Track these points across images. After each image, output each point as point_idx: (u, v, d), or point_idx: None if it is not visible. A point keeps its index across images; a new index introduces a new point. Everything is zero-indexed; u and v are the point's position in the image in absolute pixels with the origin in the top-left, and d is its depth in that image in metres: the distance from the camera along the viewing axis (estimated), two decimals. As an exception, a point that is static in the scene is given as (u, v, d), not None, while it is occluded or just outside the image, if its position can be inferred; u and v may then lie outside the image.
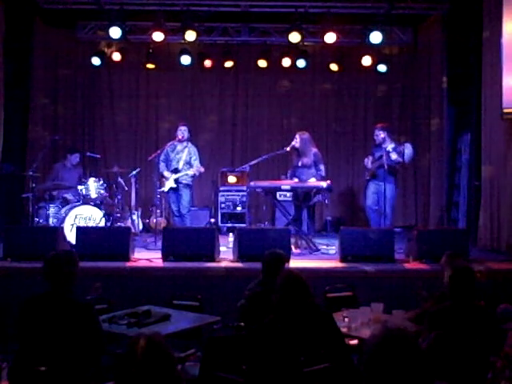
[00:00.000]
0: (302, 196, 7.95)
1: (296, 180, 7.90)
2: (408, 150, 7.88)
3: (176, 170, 8.24)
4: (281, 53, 10.12)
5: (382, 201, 7.89)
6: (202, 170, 8.33)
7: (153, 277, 6.30)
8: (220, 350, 3.67)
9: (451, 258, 4.49)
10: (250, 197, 9.88)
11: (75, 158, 8.92)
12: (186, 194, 8.30)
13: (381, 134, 8.10)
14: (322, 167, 8.09)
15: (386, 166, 7.77)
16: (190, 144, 8.42)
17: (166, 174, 8.28)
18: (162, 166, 8.33)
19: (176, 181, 8.22)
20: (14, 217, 9.17)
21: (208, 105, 10.82)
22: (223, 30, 10.00)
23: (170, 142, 8.38)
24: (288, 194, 8.77)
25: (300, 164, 8.10)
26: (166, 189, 8.32)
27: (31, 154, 9.81)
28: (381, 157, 7.91)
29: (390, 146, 7.91)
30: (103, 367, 3.61)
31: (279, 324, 3.39)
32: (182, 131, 8.27)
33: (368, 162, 8.18)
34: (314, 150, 8.15)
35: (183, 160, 8.26)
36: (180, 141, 8.28)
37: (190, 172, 8.20)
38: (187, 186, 8.33)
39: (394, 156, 7.84)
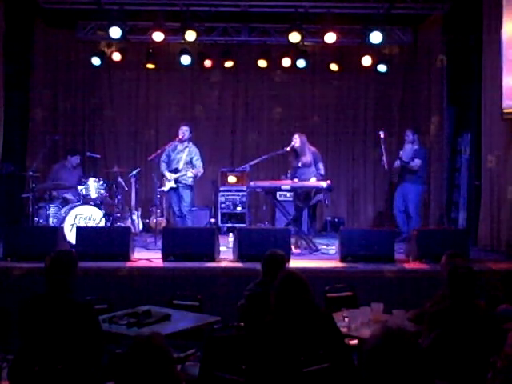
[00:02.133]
0: (303, 196, 7.95)
1: (296, 180, 7.90)
2: (404, 152, 8.24)
3: (176, 170, 8.24)
4: (281, 53, 10.11)
5: (406, 203, 8.35)
6: (201, 171, 8.30)
7: (153, 277, 6.30)
8: (220, 350, 3.67)
9: (451, 257, 4.49)
10: (250, 197, 9.88)
11: (75, 160, 8.91)
12: (186, 195, 8.28)
13: (407, 137, 8.53)
14: (321, 166, 8.11)
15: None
16: (190, 144, 8.42)
17: (167, 174, 8.28)
18: (163, 166, 8.33)
19: (176, 181, 8.23)
20: (14, 217, 9.17)
21: (208, 105, 10.81)
22: (223, 30, 9.99)
23: (171, 142, 8.38)
24: (288, 194, 8.78)
25: (300, 164, 8.11)
26: (166, 189, 8.32)
27: (31, 153, 9.81)
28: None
29: (411, 147, 8.34)
30: (103, 367, 3.61)
31: (279, 324, 3.39)
32: (184, 131, 8.28)
33: (398, 164, 8.46)
34: (313, 148, 8.19)
35: (183, 160, 8.26)
36: (181, 141, 8.28)
37: (190, 174, 8.18)
38: (188, 186, 8.32)
39: (404, 158, 8.24)
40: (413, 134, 8.53)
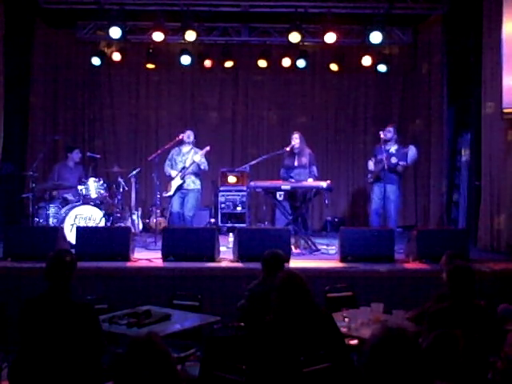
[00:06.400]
0: (302, 196, 7.95)
1: (293, 180, 7.90)
2: (412, 152, 7.91)
3: (183, 168, 8.19)
4: (281, 53, 10.13)
5: (385, 203, 7.93)
6: (208, 148, 8.18)
7: (153, 277, 6.30)
8: (220, 350, 3.67)
9: (451, 257, 4.49)
10: (250, 197, 9.88)
11: (77, 155, 8.79)
12: (192, 198, 8.19)
13: (389, 133, 8.11)
14: (314, 168, 8.11)
15: (386, 167, 7.80)
16: (194, 147, 8.37)
17: (173, 172, 8.20)
18: (168, 169, 8.28)
19: (183, 177, 8.16)
20: (14, 217, 9.17)
21: (208, 105, 10.83)
22: (223, 29, 10.01)
23: (173, 147, 8.33)
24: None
25: (297, 164, 8.10)
26: (171, 192, 8.19)
27: (31, 153, 9.81)
28: (382, 159, 7.94)
29: (393, 148, 7.98)
30: (103, 367, 3.61)
31: (279, 324, 3.39)
32: (189, 134, 8.26)
33: (371, 164, 8.19)
34: (309, 150, 8.19)
35: (190, 159, 8.21)
36: (184, 143, 8.26)
37: (197, 157, 8.07)
38: (195, 190, 8.23)
39: (393, 160, 7.89)
40: (393, 132, 8.14)
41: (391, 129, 8.19)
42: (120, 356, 2.32)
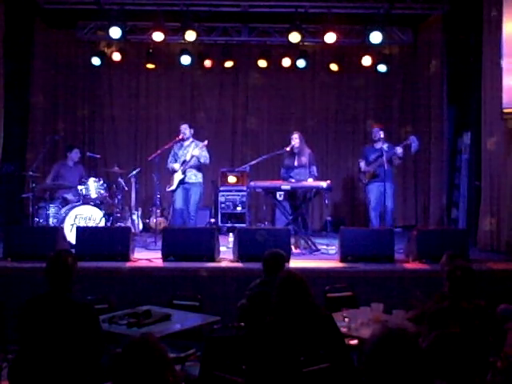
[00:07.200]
0: (302, 196, 7.95)
1: (293, 180, 7.90)
2: (414, 142, 8.00)
3: (185, 161, 8.19)
4: (281, 53, 10.14)
5: (385, 200, 7.95)
6: (205, 142, 8.18)
7: (153, 277, 6.29)
8: (220, 350, 3.67)
9: (451, 257, 4.49)
10: (250, 197, 9.88)
11: (76, 154, 8.78)
12: (195, 193, 8.17)
13: (380, 134, 8.17)
14: (314, 168, 8.12)
15: (385, 166, 7.82)
16: (195, 140, 8.37)
17: (176, 165, 8.18)
18: (171, 165, 8.25)
19: (184, 171, 8.16)
20: (14, 217, 9.17)
21: (208, 105, 10.83)
22: (223, 30, 10.01)
23: (176, 142, 8.33)
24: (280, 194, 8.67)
25: (297, 164, 8.10)
26: (174, 186, 8.17)
27: (31, 153, 9.81)
28: (379, 156, 7.98)
29: (384, 146, 8.01)
30: (103, 367, 3.61)
31: (279, 324, 3.39)
32: (183, 130, 8.25)
33: (363, 165, 8.23)
34: (308, 150, 8.20)
35: (190, 152, 8.21)
36: (183, 139, 8.26)
37: (196, 151, 8.06)
38: (198, 184, 8.23)
39: (399, 150, 7.97)
40: (382, 132, 8.17)
41: (379, 130, 8.26)
42: (118, 356, 2.32)
